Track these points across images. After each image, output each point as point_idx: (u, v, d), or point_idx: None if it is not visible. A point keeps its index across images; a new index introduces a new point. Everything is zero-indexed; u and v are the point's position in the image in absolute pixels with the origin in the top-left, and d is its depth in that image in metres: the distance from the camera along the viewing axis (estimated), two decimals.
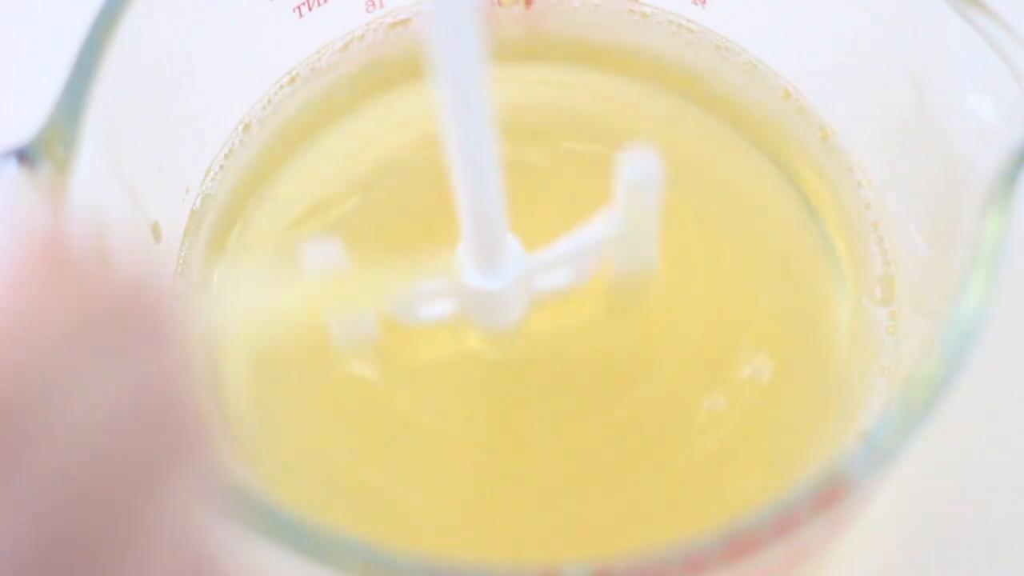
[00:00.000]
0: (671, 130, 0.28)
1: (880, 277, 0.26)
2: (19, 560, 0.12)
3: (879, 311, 0.26)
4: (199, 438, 0.13)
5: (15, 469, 0.12)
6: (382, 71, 0.29)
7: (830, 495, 0.18)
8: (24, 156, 0.20)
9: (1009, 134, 0.21)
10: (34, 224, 0.13)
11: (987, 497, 0.27)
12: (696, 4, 0.28)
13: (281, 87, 0.28)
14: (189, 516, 0.13)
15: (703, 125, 0.28)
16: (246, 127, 0.28)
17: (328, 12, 0.28)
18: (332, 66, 0.29)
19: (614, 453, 0.24)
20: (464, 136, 0.19)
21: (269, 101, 0.28)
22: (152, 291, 0.13)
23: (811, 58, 0.27)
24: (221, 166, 0.27)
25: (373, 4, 0.28)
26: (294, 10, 0.27)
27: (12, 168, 0.20)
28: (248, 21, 0.26)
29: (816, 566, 0.23)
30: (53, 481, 0.12)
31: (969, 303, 0.19)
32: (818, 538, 0.20)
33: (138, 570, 0.12)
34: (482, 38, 0.18)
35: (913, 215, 0.25)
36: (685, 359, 0.25)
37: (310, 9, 0.27)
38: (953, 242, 0.22)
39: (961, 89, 0.22)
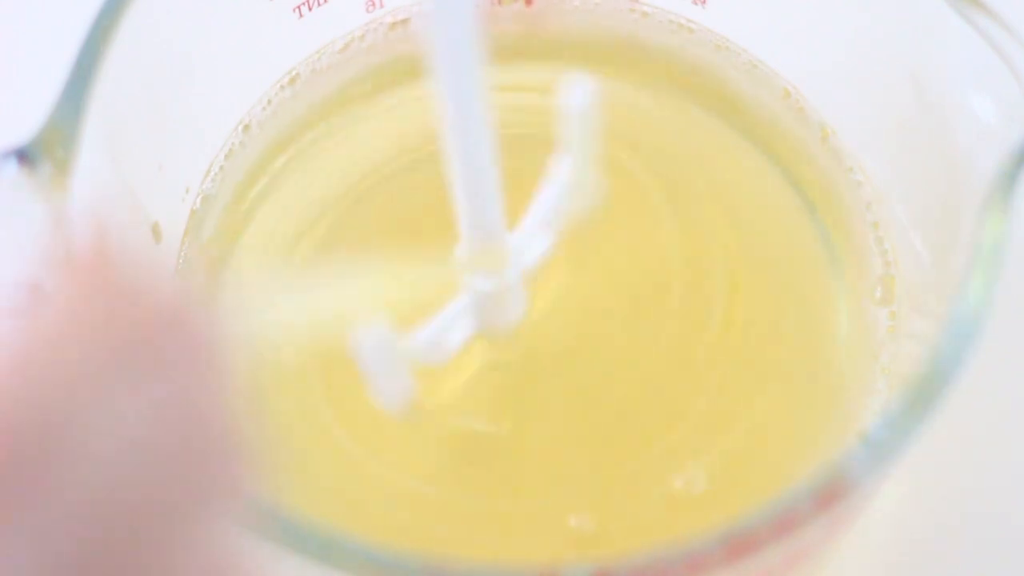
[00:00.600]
0: (671, 130, 0.28)
1: (880, 277, 0.26)
2: None
3: (879, 311, 0.26)
4: (233, 469, 0.13)
5: (32, 502, 0.11)
6: (382, 71, 0.29)
7: (830, 495, 0.18)
8: (24, 156, 0.20)
9: (1009, 134, 0.21)
10: (74, 233, 0.12)
11: (987, 497, 0.27)
12: (696, 4, 0.28)
13: (281, 87, 0.28)
14: (218, 551, 0.13)
15: (703, 125, 0.28)
16: (246, 127, 0.28)
17: (328, 12, 0.28)
18: (332, 66, 0.29)
19: (614, 453, 0.24)
20: (463, 135, 0.19)
21: (269, 101, 0.28)
22: (194, 311, 0.13)
23: (811, 58, 0.27)
24: (221, 166, 0.27)
25: (373, 4, 0.28)
26: (294, 10, 0.27)
27: (12, 168, 0.20)
28: (248, 21, 0.26)
29: (816, 566, 0.23)
30: (71, 515, 0.12)
31: (969, 303, 0.19)
32: (818, 538, 0.20)
33: None
34: (481, 37, 0.18)
35: (913, 215, 0.25)
36: (684, 358, 0.25)
37: (310, 9, 0.27)
38: (953, 242, 0.22)
39: (961, 89, 0.22)
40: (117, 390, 0.12)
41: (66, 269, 0.12)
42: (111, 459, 0.12)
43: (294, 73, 0.28)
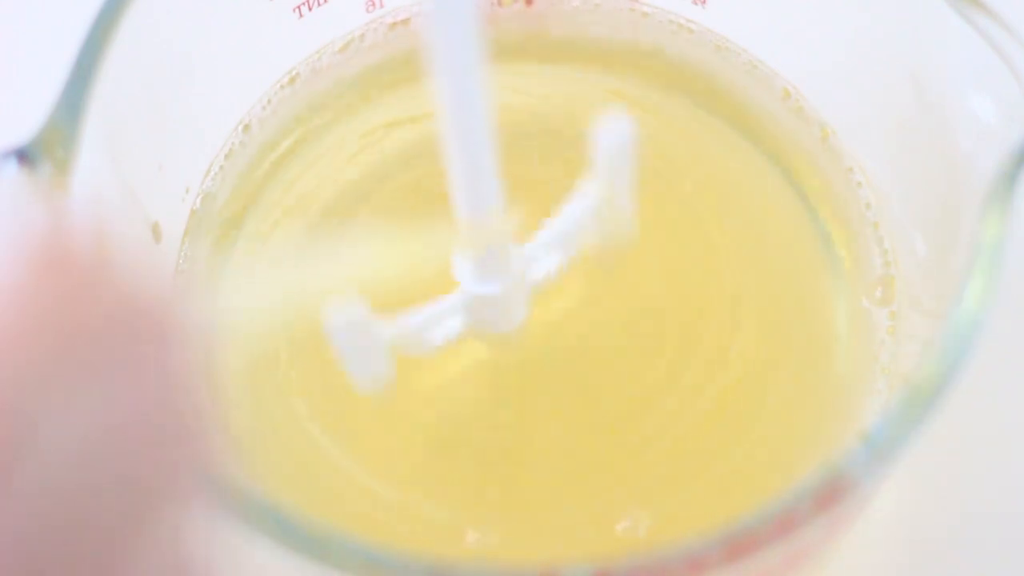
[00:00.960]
0: (671, 130, 0.28)
1: (880, 277, 0.26)
2: None
3: (879, 311, 0.26)
4: (197, 459, 0.13)
5: None
6: (382, 71, 0.29)
7: (830, 495, 0.18)
8: (24, 156, 0.20)
9: (1009, 134, 0.21)
10: (34, 225, 0.12)
11: (987, 497, 0.27)
12: (696, 4, 0.28)
13: (281, 87, 0.28)
14: (182, 545, 0.13)
15: (703, 125, 0.28)
16: (246, 127, 0.28)
17: (328, 12, 0.28)
18: (332, 66, 0.29)
19: (613, 454, 0.24)
20: (463, 136, 0.19)
21: (269, 101, 0.28)
22: (158, 299, 0.12)
23: (811, 58, 0.27)
24: (221, 166, 0.27)
25: (373, 4, 0.28)
26: (294, 10, 0.27)
27: (12, 168, 0.20)
28: (248, 21, 0.26)
29: (816, 566, 0.23)
30: (29, 512, 0.11)
31: (969, 303, 0.19)
32: (818, 538, 0.20)
33: None
34: (482, 38, 0.18)
35: (913, 215, 0.25)
36: (685, 359, 0.25)
37: (310, 9, 0.27)
38: (953, 242, 0.22)
39: (961, 89, 0.22)
40: (78, 381, 0.12)
41: (30, 263, 0.12)
42: (65, 457, 0.12)
43: (294, 73, 0.28)
